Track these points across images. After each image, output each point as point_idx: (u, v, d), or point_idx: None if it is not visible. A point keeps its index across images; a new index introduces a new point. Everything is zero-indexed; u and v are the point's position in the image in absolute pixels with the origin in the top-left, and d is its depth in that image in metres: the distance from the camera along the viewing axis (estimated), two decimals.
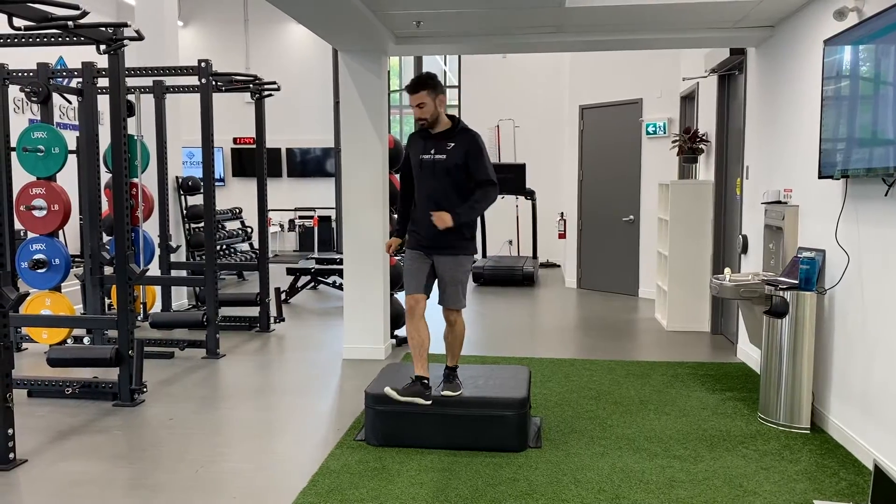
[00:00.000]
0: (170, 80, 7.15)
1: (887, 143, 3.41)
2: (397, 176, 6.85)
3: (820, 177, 4.10)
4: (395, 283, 6.40)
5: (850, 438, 3.94)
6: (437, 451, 3.93)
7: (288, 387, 5.38)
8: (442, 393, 4.01)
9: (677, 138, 7.51)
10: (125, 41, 4.52)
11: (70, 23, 3.92)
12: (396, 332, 6.53)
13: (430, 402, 3.90)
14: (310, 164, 13.94)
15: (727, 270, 4.98)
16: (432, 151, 4.05)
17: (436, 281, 4.10)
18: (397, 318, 6.46)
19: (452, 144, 4.04)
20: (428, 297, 4.11)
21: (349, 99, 5.92)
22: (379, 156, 5.91)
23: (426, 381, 3.96)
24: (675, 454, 3.91)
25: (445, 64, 13.86)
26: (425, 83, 4.02)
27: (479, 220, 11.40)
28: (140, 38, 4.58)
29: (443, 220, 3.89)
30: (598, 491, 3.45)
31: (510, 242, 12.23)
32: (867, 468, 3.66)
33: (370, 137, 5.91)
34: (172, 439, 4.22)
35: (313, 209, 13.63)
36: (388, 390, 3.91)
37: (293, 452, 4.06)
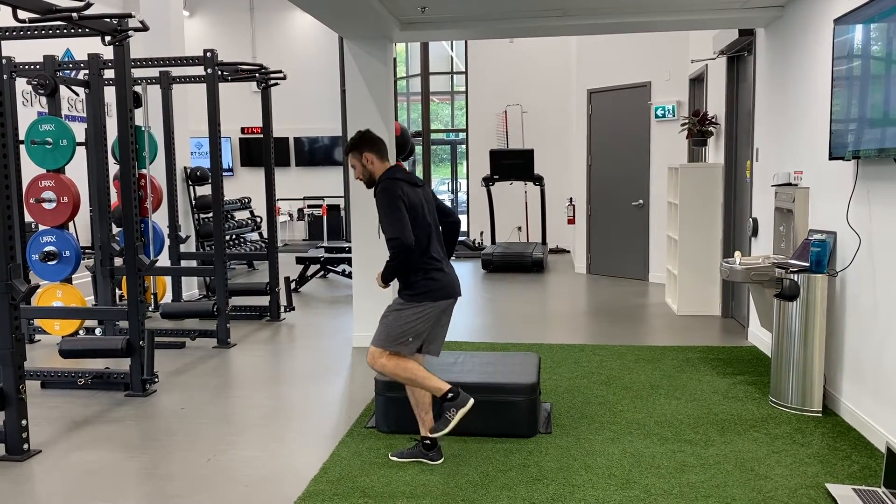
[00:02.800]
0: (176, 71, 7.15)
1: None
2: (405, 164, 6.85)
3: (830, 158, 4.05)
4: None
5: (862, 421, 3.92)
6: (447, 437, 3.92)
7: (298, 375, 5.40)
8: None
9: (686, 121, 7.45)
10: (130, 32, 4.51)
11: (74, 14, 3.91)
12: None
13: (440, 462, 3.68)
14: (318, 153, 13.93)
15: (737, 254, 4.95)
16: None
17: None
18: None
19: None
20: None
21: (355, 87, 5.89)
22: (386, 143, 5.88)
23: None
24: (686, 438, 3.90)
25: (452, 49, 13.80)
26: (350, 147, 3.77)
27: (487, 209, 11.48)
28: (145, 28, 4.57)
29: (378, 281, 3.74)
30: (608, 476, 3.45)
31: (519, 229, 12.19)
32: (880, 451, 3.64)
33: (377, 125, 5.86)
34: (184, 428, 4.24)
35: (322, 198, 13.63)
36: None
37: (304, 440, 4.07)
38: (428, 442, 3.69)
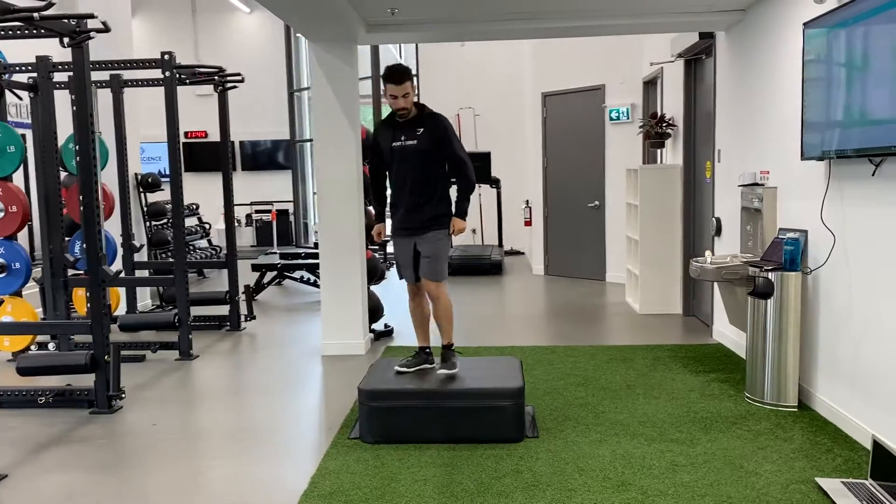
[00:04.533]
0: (126, 74, 6.89)
1: (874, 123, 3.46)
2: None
3: (803, 158, 4.15)
4: (372, 275, 6.31)
5: (838, 415, 4.02)
6: (434, 445, 3.88)
7: (270, 386, 5.24)
8: (439, 371, 4.22)
9: (643, 123, 7.56)
10: (91, 33, 4.30)
11: (35, 14, 3.71)
12: (373, 326, 6.43)
13: (433, 364, 4.32)
14: (262, 157, 13.67)
15: (707, 253, 5.04)
16: (402, 138, 4.23)
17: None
18: (375, 312, 6.38)
19: (422, 130, 4.21)
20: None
21: (320, 90, 5.78)
22: (353, 147, 5.80)
23: (428, 350, 4.37)
24: (672, 438, 3.93)
25: (401, 55, 13.72)
26: (409, 73, 4.20)
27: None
28: (106, 29, 4.37)
29: (460, 228, 4.29)
30: (603, 479, 3.45)
31: (474, 231, 12.20)
32: (859, 444, 3.74)
33: (343, 129, 5.79)
34: (158, 445, 4.07)
35: (270, 203, 13.37)
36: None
37: (287, 454, 3.95)
38: (428, 350, 4.34)
